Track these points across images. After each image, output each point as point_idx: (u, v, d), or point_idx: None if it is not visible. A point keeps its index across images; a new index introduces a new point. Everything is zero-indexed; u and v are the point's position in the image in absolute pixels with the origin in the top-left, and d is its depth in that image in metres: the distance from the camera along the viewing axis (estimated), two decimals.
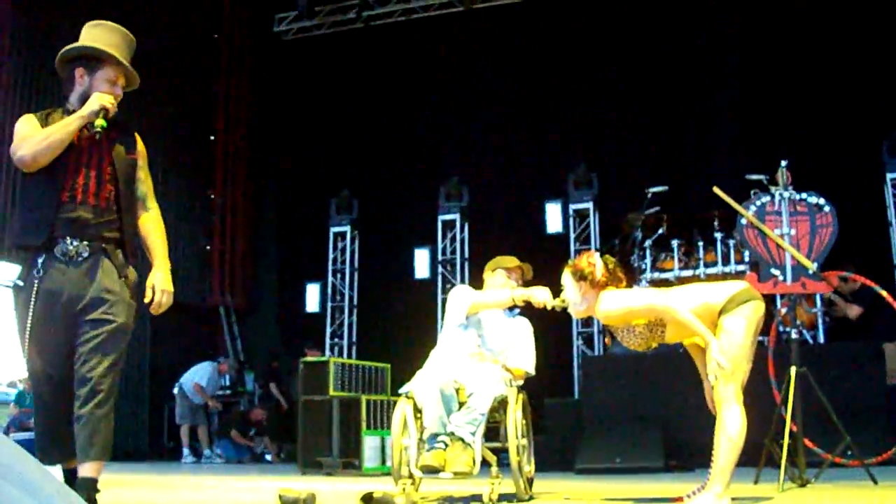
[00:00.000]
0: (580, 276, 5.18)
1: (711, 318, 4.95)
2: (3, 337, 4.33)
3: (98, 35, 4.63)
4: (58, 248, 4.32)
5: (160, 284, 4.63)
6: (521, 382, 5.94)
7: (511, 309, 6.30)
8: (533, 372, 6.13)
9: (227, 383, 16.05)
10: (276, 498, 5.10)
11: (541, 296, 5.89)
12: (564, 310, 5.91)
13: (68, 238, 4.33)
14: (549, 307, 5.87)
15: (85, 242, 4.37)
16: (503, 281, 6.24)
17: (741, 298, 4.93)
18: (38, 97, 14.30)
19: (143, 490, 7.60)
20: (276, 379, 15.25)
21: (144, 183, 4.83)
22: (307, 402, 10.39)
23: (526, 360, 6.10)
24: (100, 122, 4.41)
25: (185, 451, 14.15)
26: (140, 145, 4.85)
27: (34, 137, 4.34)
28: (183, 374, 14.73)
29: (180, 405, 14.41)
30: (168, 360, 15.82)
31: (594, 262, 5.20)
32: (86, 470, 4.30)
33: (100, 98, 4.45)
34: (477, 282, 6.54)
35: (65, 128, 4.36)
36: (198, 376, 14.50)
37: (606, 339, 5.28)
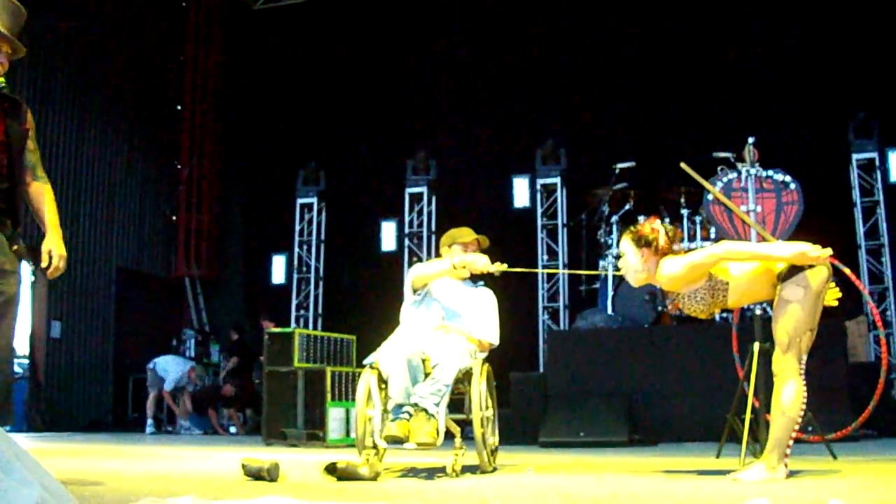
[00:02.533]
0: (644, 243, 5.11)
1: (771, 280, 4.95)
2: None
3: None
4: None
5: (56, 249, 4.58)
6: (485, 354, 5.95)
7: (475, 280, 6.30)
8: (497, 343, 6.13)
9: (193, 354, 16.01)
10: (239, 467, 5.09)
11: (480, 262, 5.91)
12: (503, 274, 5.95)
13: None
14: (486, 272, 5.91)
15: None
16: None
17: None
18: (52, 95, 14.36)
19: (107, 460, 7.57)
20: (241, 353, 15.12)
21: (34, 153, 4.69)
22: (272, 373, 10.37)
23: (490, 331, 6.10)
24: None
25: (149, 421, 14.07)
26: (30, 116, 4.69)
27: None
28: (149, 349, 14.73)
29: (151, 378, 14.29)
30: (133, 332, 15.79)
31: (658, 228, 5.15)
32: None
33: None
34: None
35: None
36: (174, 375, 14.23)
37: (670, 307, 5.15)
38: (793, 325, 4.80)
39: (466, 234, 6.28)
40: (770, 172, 9.89)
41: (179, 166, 17.80)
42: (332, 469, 5.01)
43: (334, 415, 10.05)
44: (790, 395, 4.78)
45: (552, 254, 13.95)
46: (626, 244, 5.21)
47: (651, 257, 5.12)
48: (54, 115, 14.66)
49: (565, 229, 13.95)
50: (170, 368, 14.12)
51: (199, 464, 7.32)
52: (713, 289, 5.02)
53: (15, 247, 4.44)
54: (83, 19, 15.06)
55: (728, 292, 5.02)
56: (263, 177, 17.43)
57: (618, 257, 5.33)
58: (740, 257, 5.02)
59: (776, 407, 4.81)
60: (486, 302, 6.21)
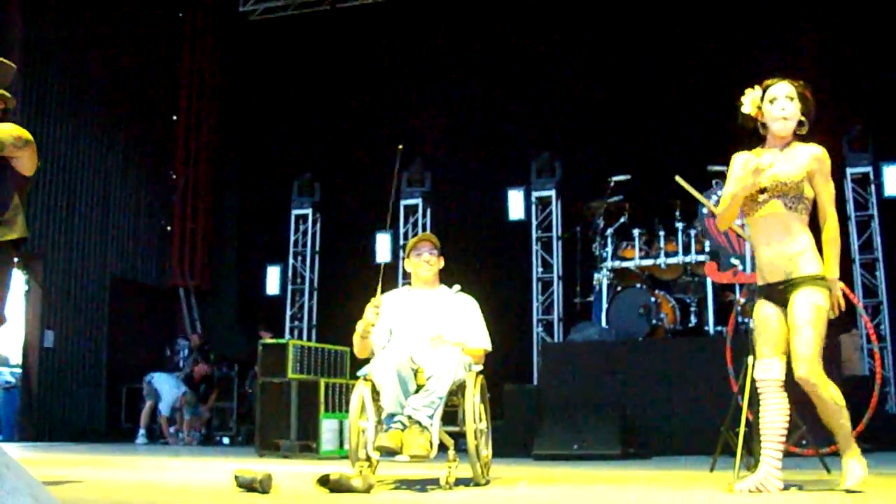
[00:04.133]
0: (808, 105, 5.20)
1: (790, 262, 4.93)
2: None
3: None
4: None
5: None
6: (480, 367, 5.91)
7: (450, 286, 6.30)
8: (490, 347, 6.11)
9: (186, 365, 15.93)
10: (232, 478, 5.08)
11: (363, 321, 5.94)
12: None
13: None
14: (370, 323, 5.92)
15: None
16: (417, 261, 6.27)
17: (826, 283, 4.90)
18: (47, 103, 14.39)
19: (99, 470, 7.55)
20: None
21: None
22: (266, 384, 10.35)
23: (481, 338, 6.08)
24: None
25: (141, 431, 14.01)
26: None
27: None
28: (143, 359, 14.76)
29: (147, 390, 14.22)
30: (126, 341, 15.75)
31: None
32: None
33: None
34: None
35: None
36: (169, 399, 14.16)
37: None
38: (823, 329, 4.86)
39: (412, 241, 6.41)
40: None
41: (174, 176, 17.79)
42: (324, 481, 4.99)
43: (328, 426, 10.03)
44: (836, 390, 4.82)
45: (547, 266, 13.93)
46: (794, 90, 5.23)
47: (799, 117, 5.20)
48: (49, 124, 14.65)
49: (560, 242, 13.95)
50: (164, 390, 14.04)
51: (192, 474, 7.31)
52: (798, 200, 5.00)
53: None
54: (78, 28, 15.10)
55: (788, 210, 4.97)
56: (258, 187, 17.43)
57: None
58: (828, 223, 5.00)
59: (835, 407, 4.82)
60: (470, 308, 6.20)
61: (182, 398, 14.06)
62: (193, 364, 14.89)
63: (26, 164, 5.21)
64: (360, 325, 5.98)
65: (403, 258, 6.48)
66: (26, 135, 5.16)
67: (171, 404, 13.98)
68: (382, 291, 6.21)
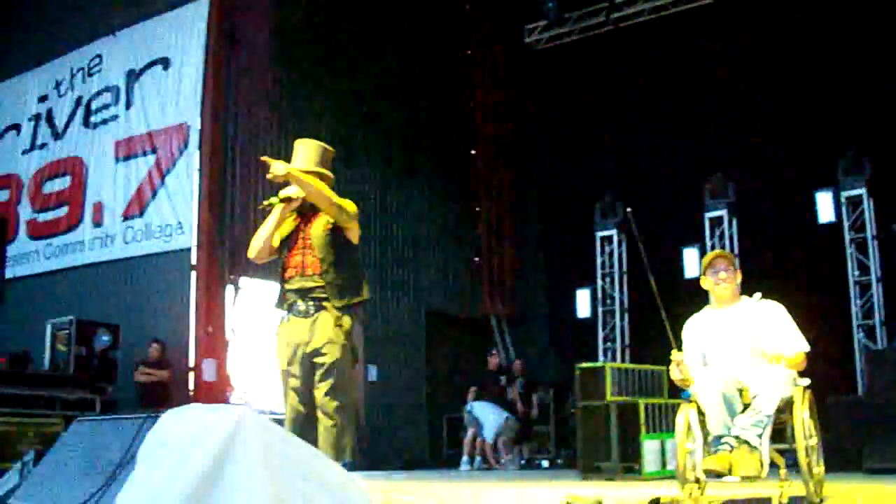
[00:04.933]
0: None
1: None
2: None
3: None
4: None
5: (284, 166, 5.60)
6: (807, 381, 5.72)
7: (750, 295, 6.13)
8: (808, 348, 5.85)
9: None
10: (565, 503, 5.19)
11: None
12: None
13: None
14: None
15: None
16: (714, 279, 6.15)
17: None
18: (354, 154, 15.20)
19: (424, 497, 7.83)
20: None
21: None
22: (585, 408, 10.44)
23: (797, 341, 5.84)
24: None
25: (465, 458, 14.33)
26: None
27: None
28: (460, 388, 15.09)
29: (468, 419, 14.56)
30: (444, 370, 16.35)
31: None
32: None
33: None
34: (747, 281, 6.30)
35: None
36: (492, 427, 14.42)
37: None
38: None
39: (706, 260, 6.33)
40: None
41: (477, 208, 18.29)
42: (656, 503, 5.02)
43: (649, 447, 9.98)
44: None
45: (863, 269, 13.38)
46: None
47: None
48: (358, 170, 15.44)
49: (876, 242, 13.37)
50: (486, 418, 14.32)
51: (525, 500, 7.47)
52: None
53: (340, 324, 5.50)
54: (378, 80, 15.92)
55: None
56: (560, 212, 17.62)
57: None
58: None
59: None
60: (779, 314, 5.98)
61: (504, 424, 14.33)
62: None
63: (356, 232, 5.82)
64: (672, 375, 5.96)
65: (700, 276, 6.37)
66: (356, 208, 5.80)
67: (494, 431, 14.25)
68: (692, 313, 6.18)
